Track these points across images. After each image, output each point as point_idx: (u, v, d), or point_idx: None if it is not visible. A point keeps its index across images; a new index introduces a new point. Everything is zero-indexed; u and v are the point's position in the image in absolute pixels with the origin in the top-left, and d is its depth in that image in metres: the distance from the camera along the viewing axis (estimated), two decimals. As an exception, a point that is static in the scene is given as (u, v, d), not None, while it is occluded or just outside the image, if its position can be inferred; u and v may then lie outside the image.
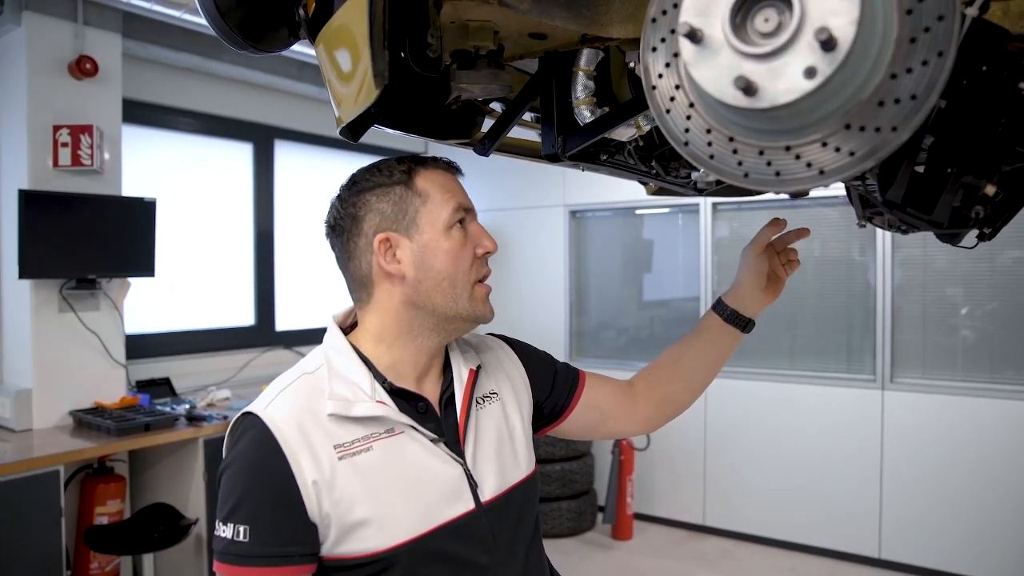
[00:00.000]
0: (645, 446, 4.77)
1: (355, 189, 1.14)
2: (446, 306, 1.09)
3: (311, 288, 5.15)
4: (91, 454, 3.19)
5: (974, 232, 1.58)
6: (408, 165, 1.13)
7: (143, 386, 3.91)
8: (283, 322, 4.92)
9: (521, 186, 5.50)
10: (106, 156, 3.58)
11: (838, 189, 4.20)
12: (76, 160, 3.41)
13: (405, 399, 1.10)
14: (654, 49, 0.76)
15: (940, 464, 4.00)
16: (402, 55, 0.99)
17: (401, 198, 1.10)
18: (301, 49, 3.90)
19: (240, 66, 4.26)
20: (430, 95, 1.14)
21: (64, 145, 3.40)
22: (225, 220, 4.63)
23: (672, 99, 0.74)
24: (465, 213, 1.12)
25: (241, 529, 0.97)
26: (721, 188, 1.79)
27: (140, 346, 4.04)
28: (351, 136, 1.09)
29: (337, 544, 1.01)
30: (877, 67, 0.62)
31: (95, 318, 3.60)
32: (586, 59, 1.14)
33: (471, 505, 1.08)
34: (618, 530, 4.65)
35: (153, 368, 4.08)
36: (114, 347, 3.66)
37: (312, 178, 5.18)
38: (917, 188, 0.76)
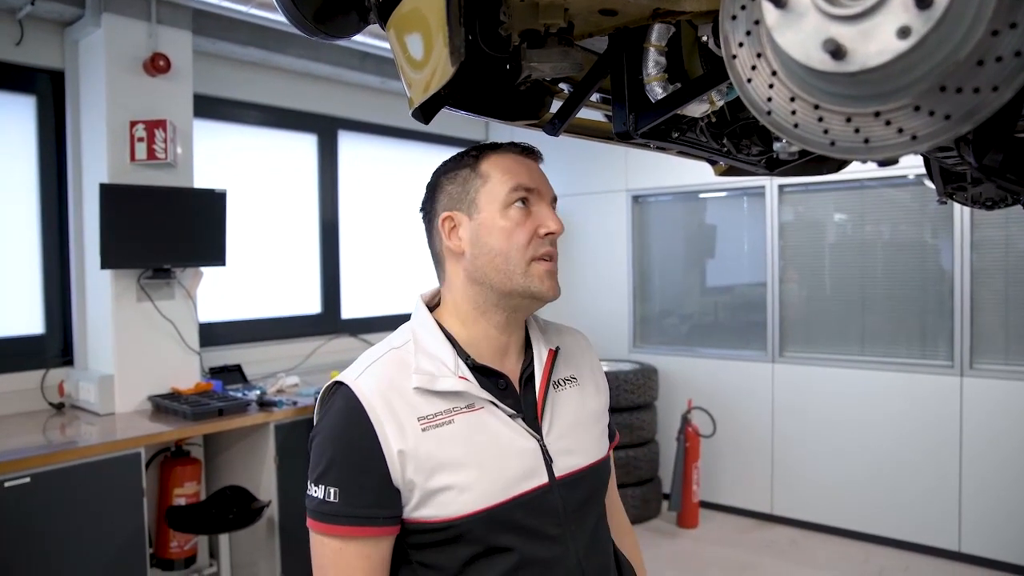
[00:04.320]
0: (711, 433, 4.71)
1: (435, 174, 1.22)
2: (501, 282, 1.13)
3: (375, 277, 5.24)
4: (169, 437, 3.32)
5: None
6: (479, 150, 1.19)
7: (216, 372, 4.05)
8: (348, 310, 5.02)
9: (583, 172, 5.47)
10: (179, 150, 3.70)
11: (907, 168, 4.06)
12: (151, 154, 3.54)
13: (486, 375, 1.15)
14: (734, 17, 0.74)
15: (1024, 454, 3.83)
16: (470, 37, 0.99)
17: (465, 180, 1.16)
18: (363, 39, 3.95)
19: (304, 59, 4.34)
20: (500, 76, 1.14)
21: (140, 140, 3.53)
22: (291, 210, 4.74)
23: (754, 68, 0.72)
24: (527, 193, 1.15)
25: (332, 491, 1.06)
26: (792, 167, 1.74)
27: (212, 334, 4.18)
28: (423, 118, 1.09)
29: (418, 508, 1.07)
30: (977, 23, 0.58)
31: (171, 307, 3.73)
32: (657, 35, 1.11)
33: (545, 479, 1.12)
34: (684, 518, 4.61)
35: (225, 355, 4.21)
36: (188, 335, 3.79)
37: (376, 168, 5.25)
38: (1017, 154, 0.72)
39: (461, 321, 1.18)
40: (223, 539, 3.39)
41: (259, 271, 4.52)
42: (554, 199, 1.20)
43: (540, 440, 1.14)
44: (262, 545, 3.57)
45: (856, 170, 3.89)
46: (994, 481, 3.92)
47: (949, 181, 1.67)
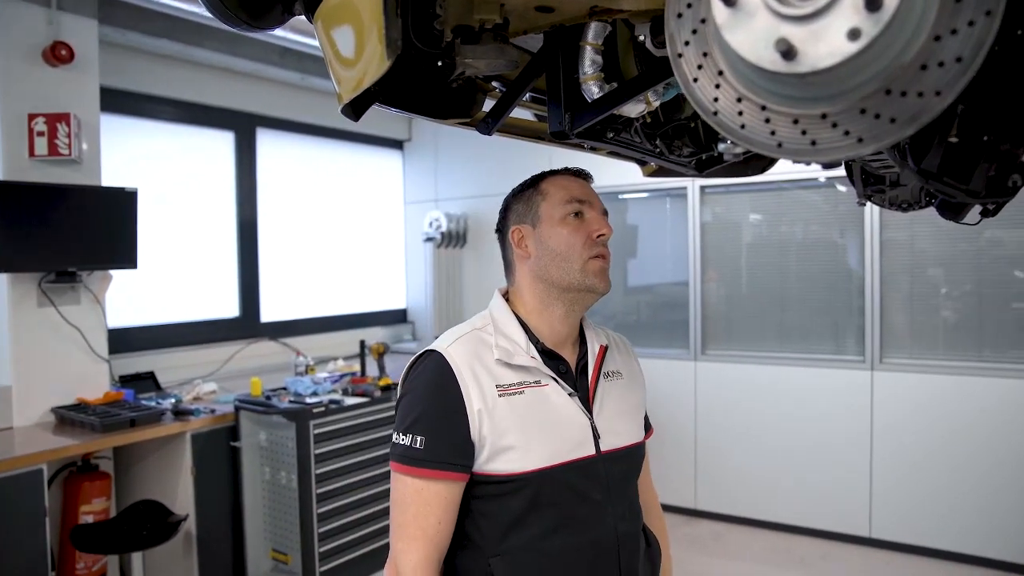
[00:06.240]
0: (635, 431, 4.76)
1: (505, 199, 1.44)
2: (561, 277, 1.33)
3: (296, 278, 5.09)
4: (75, 451, 3.13)
5: (977, 208, 1.57)
6: (541, 174, 1.42)
7: (127, 381, 3.84)
8: (268, 313, 4.86)
9: (503, 173, 5.46)
10: (84, 146, 3.49)
11: (819, 171, 4.21)
12: (53, 150, 3.33)
13: (551, 358, 1.35)
14: (679, 15, 0.72)
15: (929, 442, 4.03)
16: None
17: (529, 198, 1.39)
18: (283, 34, 3.82)
19: (221, 53, 4.17)
20: (431, 72, 1.10)
21: (40, 134, 3.31)
22: (207, 210, 4.55)
23: (700, 67, 0.71)
24: (580, 204, 1.35)
25: (418, 439, 1.24)
26: (719, 168, 1.77)
27: (123, 340, 3.97)
28: (353, 115, 1.05)
29: (487, 462, 1.25)
30: (920, 28, 0.59)
31: (76, 312, 3.52)
32: (594, 33, 1.10)
33: (592, 451, 1.32)
34: (610, 516, 4.65)
35: (137, 362, 4.00)
36: (96, 341, 3.59)
37: (296, 167, 5.10)
38: (952, 157, 0.74)
39: (526, 313, 1.38)
40: (136, 557, 3.21)
41: (173, 273, 4.32)
42: (605, 211, 1.39)
43: (591, 418, 1.33)
44: (179, 562, 3.41)
45: (775, 172, 4.01)
46: (901, 468, 4.12)
47: (868, 184, 1.72)
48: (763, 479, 4.52)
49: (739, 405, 4.60)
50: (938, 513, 4.02)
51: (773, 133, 0.68)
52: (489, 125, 1.24)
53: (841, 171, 3.22)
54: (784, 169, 4.00)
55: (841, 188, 4.37)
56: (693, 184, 4.69)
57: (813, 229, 4.52)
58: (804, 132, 0.66)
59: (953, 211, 1.60)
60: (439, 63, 1.12)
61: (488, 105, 1.34)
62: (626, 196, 5.11)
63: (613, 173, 4.75)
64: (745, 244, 4.73)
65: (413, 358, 1.34)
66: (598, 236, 1.34)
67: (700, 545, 4.37)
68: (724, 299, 4.76)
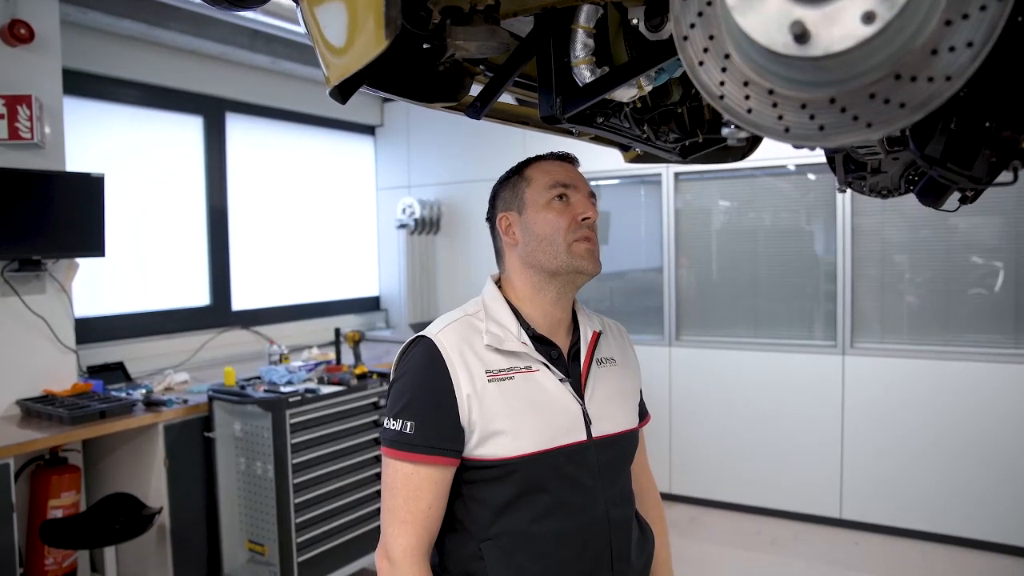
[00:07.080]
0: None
1: (493, 187, 1.45)
2: (548, 262, 1.34)
3: (268, 266, 5.01)
4: (43, 444, 3.04)
5: (956, 195, 1.58)
6: (526, 160, 1.42)
7: (95, 371, 3.75)
8: (240, 301, 4.78)
9: (477, 159, 5.43)
10: (47, 129, 3.38)
11: (790, 159, 4.23)
12: (14, 133, 3.22)
13: (542, 344, 1.35)
14: (685, -2, 0.71)
15: (898, 424, 4.11)
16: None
17: (515, 184, 1.40)
18: (253, 16, 3.73)
19: (188, 35, 4.06)
20: (419, 55, 1.08)
21: (0, 117, 3.20)
22: (176, 197, 4.44)
23: (706, 50, 0.70)
24: (564, 188, 1.36)
25: (409, 424, 1.25)
26: (702, 154, 1.76)
27: (91, 330, 3.87)
28: (340, 98, 1.02)
29: (477, 447, 1.26)
30: (932, 12, 0.58)
31: (41, 301, 3.42)
32: (586, 16, 1.08)
33: (583, 437, 1.32)
34: (586, 501, 4.67)
35: (105, 352, 3.92)
36: (63, 331, 3.49)
37: (267, 152, 5.01)
38: (954, 143, 0.73)
39: (518, 300, 1.38)
40: (108, 552, 3.15)
41: (142, 262, 4.23)
42: (591, 194, 1.39)
43: (582, 404, 1.33)
44: (152, 555, 3.35)
45: (749, 159, 4.04)
46: (871, 450, 4.20)
47: (849, 171, 1.73)
48: (737, 463, 4.58)
49: (713, 390, 4.65)
50: (906, 493, 4.11)
51: (780, 118, 0.67)
52: (478, 109, 1.22)
53: (817, 158, 3.23)
54: (757, 156, 4.02)
55: (811, 176, 4.41)
56: (668, 171, 4.70)
57: (785, 216, 4.56)
58: (812, 117, 0.65)
59: (933, 197, 1.61)
60: (425, 45, 1.10)
61: (475, 89, 1.32)
62: (600, 183, 5.11)
63: (587, 159, 4.75)
64: (719, 231, 4.76)
65: (405, 344, 1.35)
66: (583, 219, 1.34)
67: (675, 528, 4.41)
68: (698, 285, 4.79)
